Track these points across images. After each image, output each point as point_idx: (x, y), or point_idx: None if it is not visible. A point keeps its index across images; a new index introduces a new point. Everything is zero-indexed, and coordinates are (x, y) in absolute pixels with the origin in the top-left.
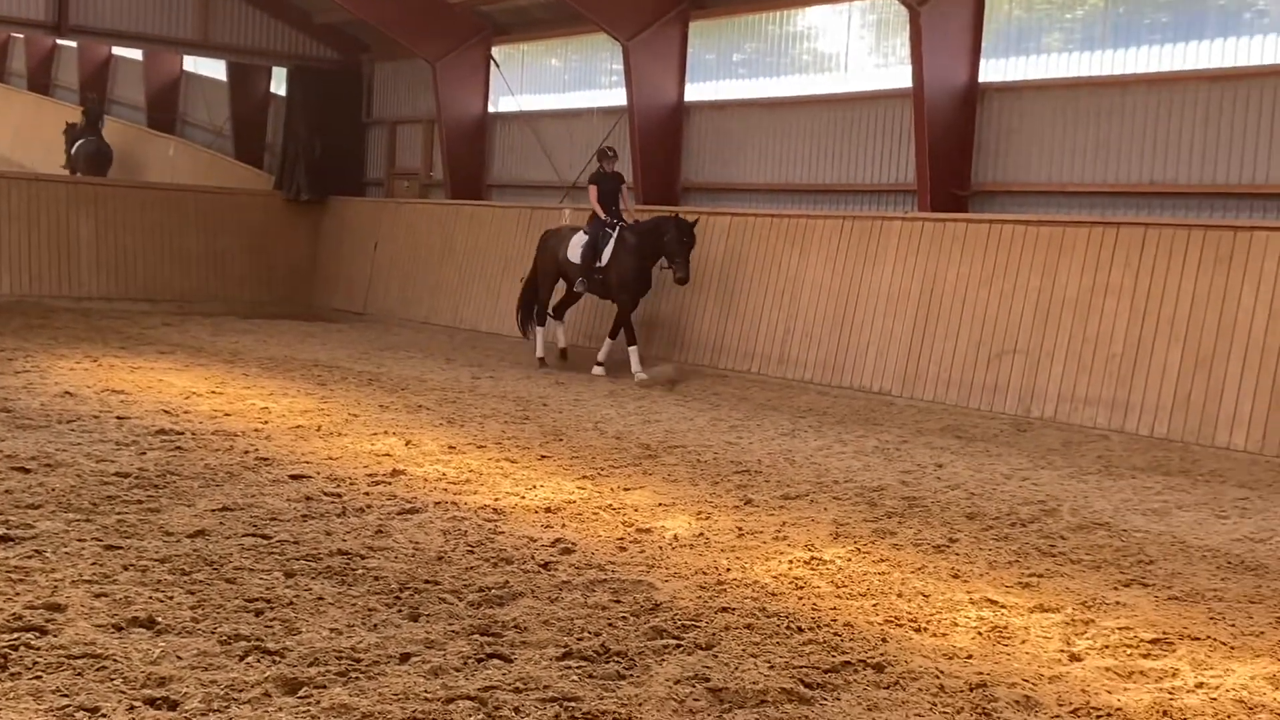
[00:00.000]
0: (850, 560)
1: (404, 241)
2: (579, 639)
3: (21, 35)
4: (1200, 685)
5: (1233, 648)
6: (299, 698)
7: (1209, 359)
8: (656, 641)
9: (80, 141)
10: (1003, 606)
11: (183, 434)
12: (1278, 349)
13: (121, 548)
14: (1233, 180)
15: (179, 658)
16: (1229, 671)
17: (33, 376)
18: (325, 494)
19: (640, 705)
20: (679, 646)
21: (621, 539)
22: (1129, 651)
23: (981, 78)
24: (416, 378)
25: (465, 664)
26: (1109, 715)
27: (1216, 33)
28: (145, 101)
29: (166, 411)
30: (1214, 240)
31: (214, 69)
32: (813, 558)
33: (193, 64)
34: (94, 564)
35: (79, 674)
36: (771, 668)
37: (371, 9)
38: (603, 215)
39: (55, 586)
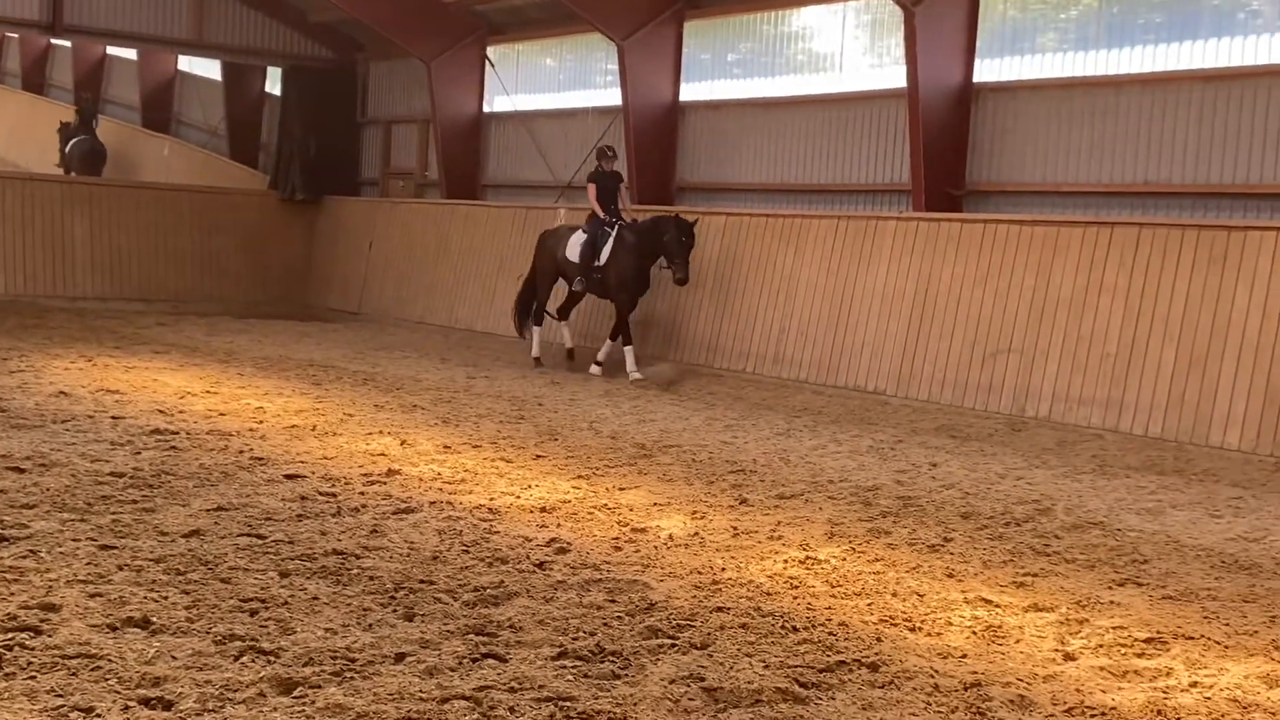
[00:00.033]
0: (845, 560)
1: (399, 241)
2: (574, 639)
3: (16, 35)
4: (1194, 684)
5: (1227, 647)
6: (294, 698)
7: (1203, 358)
8: (651, 641)
9: (74, 140)
10: (997, 606)
11: (177, 434)
12: (1272, 348)
13: (116, 548)
14: (1227, 180)
15: (174, 658)
16: (1223, 671)
17: (27, 376)
18: (320, 494)
19: (635, 705)
20: (674, 646)
21: (617, 539)
22: (1123, 651)
23: (976, 78)
24: (411, 377)
25: (460, 664)
26: (1103, 714)
27: (1210, 33)
28: (140, 101)
29: (161, 411)
30: (1208, 240)
31: (209, 68)
32: (808, 557)
33: (187, 63)
34: (89, 564)
35: (73, 674)
36: (766, 667)
37: (366, 8)
38: (601, 214)
39: (50, 586)
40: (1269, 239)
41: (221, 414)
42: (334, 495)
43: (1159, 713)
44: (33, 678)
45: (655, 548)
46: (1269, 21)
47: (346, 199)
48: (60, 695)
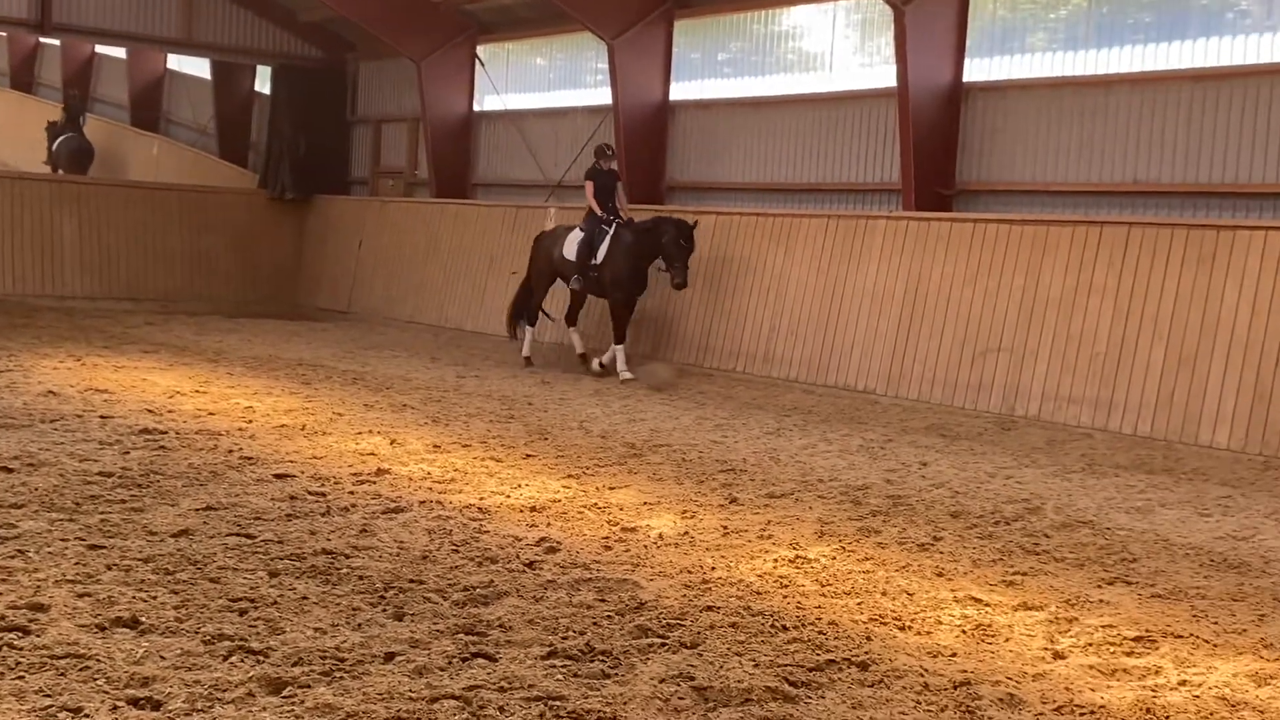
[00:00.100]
0: (835, 559)
1: (389, 240)
2: (564, 638)
3: (4, 33)
4: (1183, 683)
5: (1215, 645)
6: (283, 698)
7: (1192, 357)
8: (641, 640)
9: (61, 139)
10: (987, 604)
11: (166, 433)
12: (1260, 347)
13: (105, 547)
14: (1215, 179)
15: (162, 658)
16: (1211, 669)
17: (15, 376)
18: (310, 493)
19: (625, 704)
20: (664, 645)
21: (606, 538)
22: (1112, 649)
23: (966, 77)
24: (401, 377)
25: (450, 663)
26: (1092, 713)
27: (1199, 33)
28: (129, 100)
29: (150, 411)
30: (1197, 239)
31: (198, 67)
32: (797, 556)
33: (177, 62)
34: (77, 564)
35: (62, 674)
36: (756, 666)
37: (356, 7)
38: (599, 211)
39: (38, 586)
40: (1257, 238)
41: (210, 413)
42: (323, 495)
43: (1148, 711)
44: (21, 678)
45: (645, 547)
46: (1258, 21)
47: (336, 198)
48: (49, 695)
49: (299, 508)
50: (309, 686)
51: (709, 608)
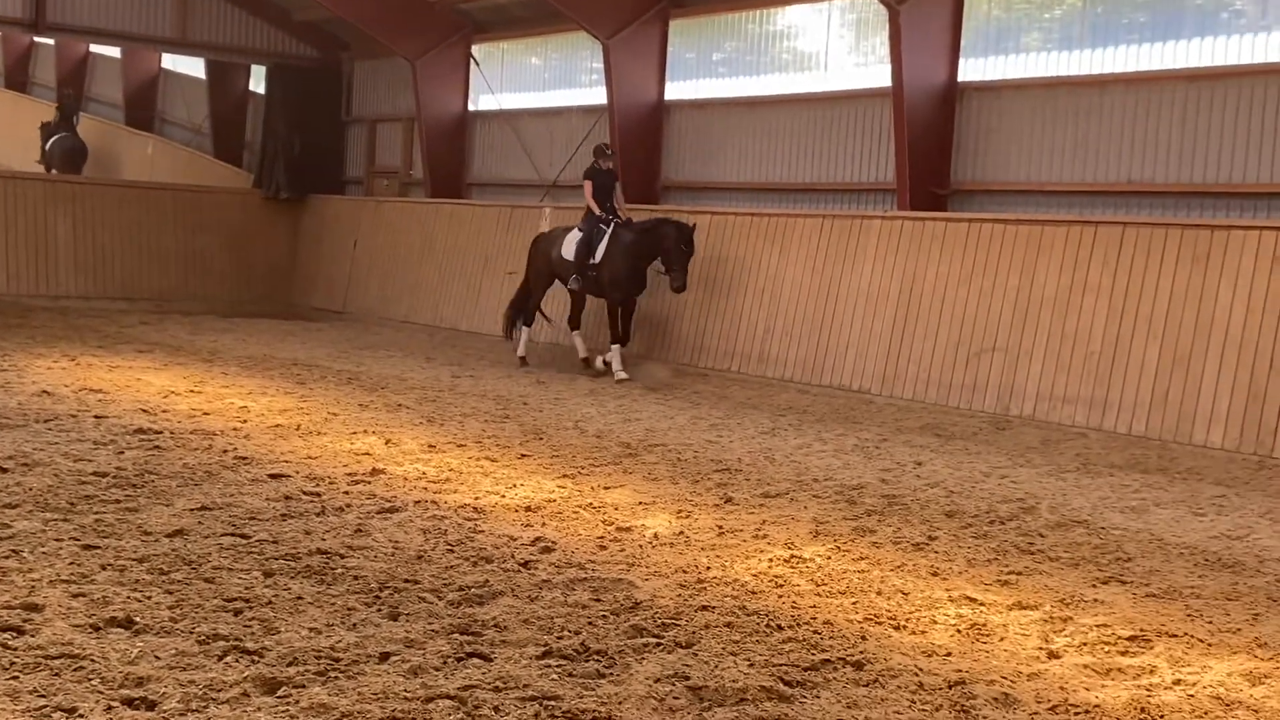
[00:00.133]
0: (830, 558)
1: (384, 240)
2: (559, 638)
3: None
4: (1178, 682)
5: (1210, 645)
6: (278, 697)
7: (1186, 357)
8: (636, 640)
9: (55, 138)
10: (981, 604)
11: (161, 433)
12: (1254, 347)
13: (99, 547)
14: (1210, 179)
15: (157, 658)
16: (1206, 668)
17: (10, 375)
18: (304, 493)
19: (620, 704)
20: (659, 645)
21: (602, 537)
22: (1107, 649)
23: (960, 77)
24: (396, 376)
25: (445, 663)
26: (1087, 712)
27: (1194, 32)
28: (123, 99)
29: (145, 410)
30: (1191, 239)
31: (193, 67)
32: (792, 556)
33: (171, 62)
34: (72, 564)
35: (56, 674)
36: (751, 666)
37: (351, 7)
38: (597, 211)
39: (33, 586)
40: (1251, 238)
41: (205, 413)
42: (318, 495)
43: (1143, 710)
44: (15, 678)
45: (640, 547)
46: (1252, 21)
47: (331, 198)
48: (43, 695)
49: (294, 508)
50: (304, 686)
51: (704, 607)
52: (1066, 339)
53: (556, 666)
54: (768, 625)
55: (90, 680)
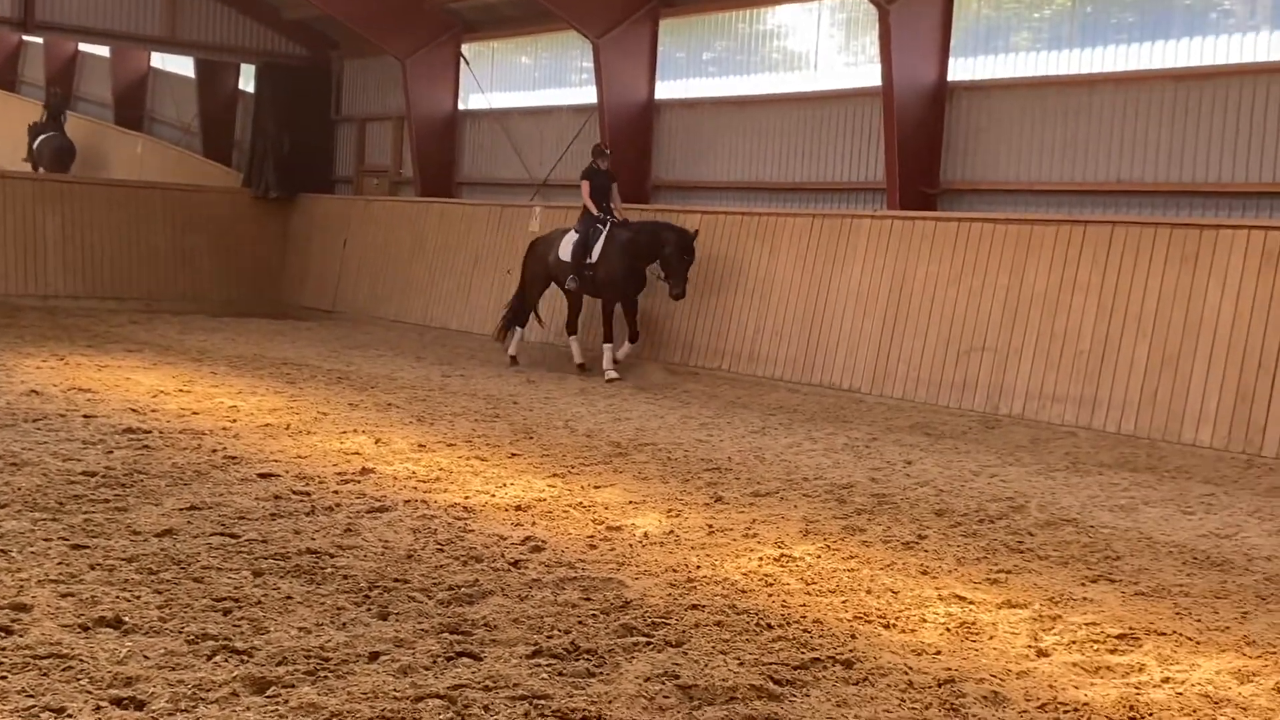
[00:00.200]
0: (820, 557)
1: (373, 239)
2: (549, 637)
3: None
4: (1166, 680)
5: (1198, 643)
6: (267, 697)
7: (1175, 356)
8: (626, 639)
9: (43, 137)
10: (971, 603)
11: (150, 432)
12: (1243, 346)
13: (88, 547)
14: (1199, 179)
15: (146, 657)
16: (1194, 666)
17: None
18: (294, 493)
19: (610, 703)
20: (649, 644)
21: (592, 537)
22: (1096, 647)
23: (950, 76)
24: (386, 376)
25: (434, 662)
26: (1076, 710)
27: (1182, 32)
28: (112, 98)
29: (134, 410)
30: (1180, 238)
31: (182, 65)
32: (782, 555)
33: (160, 61)
34: (60, 563)
35: (45, 674)
36: (741, 665)
37: (340, 5)
38: (595, 211)
39: (21, 586)
40: (1240, 237)
41: (194, 413)
42: (308, 494)
43: (1131, 708)
44: (3, 678)
45: (630, 546)
46: (1241, 21)
47: (321, 197)
48: (31, 696)
49: (283, 507)
50: (293, 686)
51: (694, 606)
52: (1056, 338)
53: (546, 666)
54: (758, 624)
55: (79, 680)
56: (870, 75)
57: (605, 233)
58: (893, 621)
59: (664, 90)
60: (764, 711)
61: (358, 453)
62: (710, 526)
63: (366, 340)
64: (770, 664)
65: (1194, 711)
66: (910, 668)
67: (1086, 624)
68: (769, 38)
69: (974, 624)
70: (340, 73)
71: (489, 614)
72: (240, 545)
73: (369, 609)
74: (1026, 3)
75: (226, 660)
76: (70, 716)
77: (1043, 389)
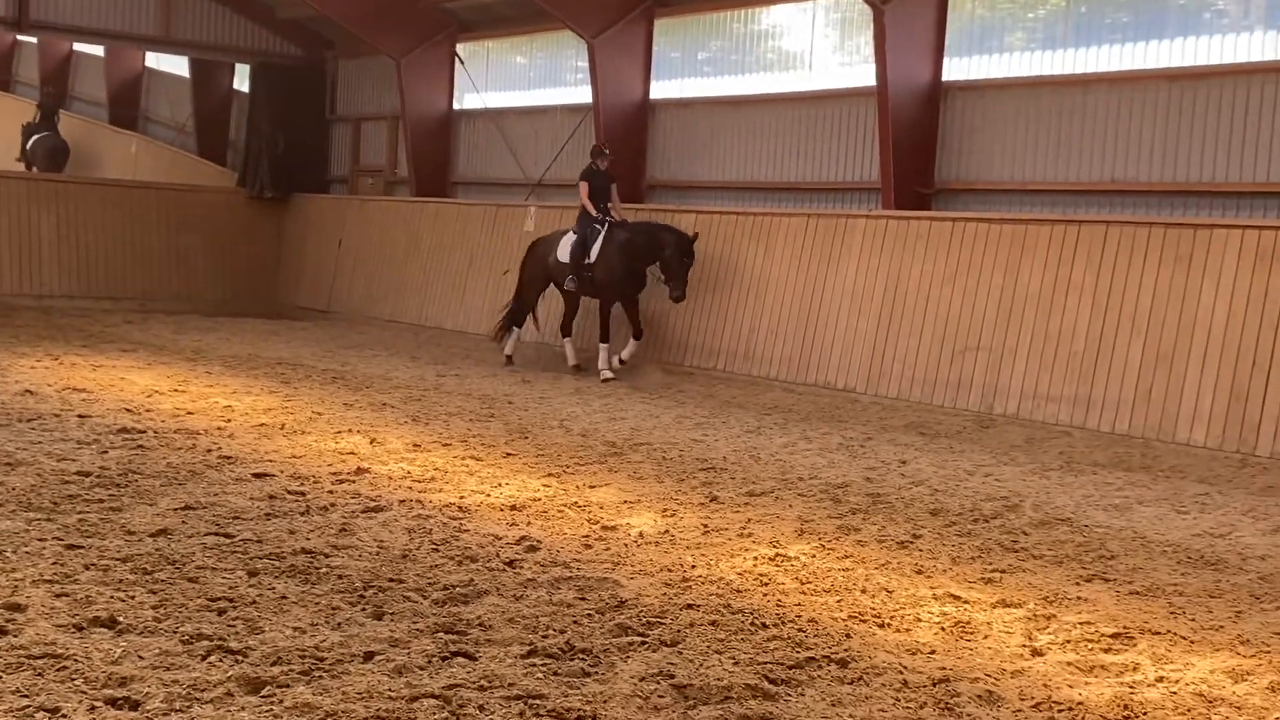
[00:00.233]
0: (814, 557)
1: (368, 239)
2: (544, 636)
3: None
4: (1160, 679)
5: (1193, 642)
6: (262, 697)
7: (1169, 355)
8: (621, 638)
9: (36, 137)
10: (965, 602)
11: (145, 432)
12: (1237, 345)
13: (83, 547)
14: (1193, 178)
15: (140, 657)
16: (1189, 665)
17: None
18: (289, 492)
19: (605, 702)
20: (644, 643)
21: (587, 536)
22: (1090, 646)
23: (945, 76)
24: (381, 375)
25: (430, 662)
26: (1070, 710)
27: (1176, 32)
28: (107, 98)
29: (128, 410)
30: (1174, 238)
31: (176, 65)
32: (777, 554)
33: (155, 60)
34: (55, 563)
35: (39, 674)
36: (736, 664)
37: (335, 5)
38: (593, 212)
39: (15, 586)
40: (1234, 237)
41: (189, 412)
42: (303, 494)
43: (1126, 708)
44: None
45: (625, 545)
46: (1235, 21)
47: (315, 196)
48: (26, 696)
49: (278, 507)
50: (288, 686)
51: (689, 606)
52: (1050, 337)
53: (541, 665)
54: (752, 623)
55: (73, 680)
56: (865, 75)
57: (603, 233)
58: (887, 621)
59: (659, 90)
60: (759, 711)
61: (353, 452)
62: (705, 526)
63: (361, 340)
64: (765, 663)
65: (1188, 710)
66: (905, 667)
67: (1081, 623)
68: (764, 37)
69: (969, 623)
70: (335, 72)
71: (484, 614)
72: (235, 545)
73: (364, 609)
74: (1021, 3)
75: (221, 660)
76: (65, 717)
77: (1037, 388)
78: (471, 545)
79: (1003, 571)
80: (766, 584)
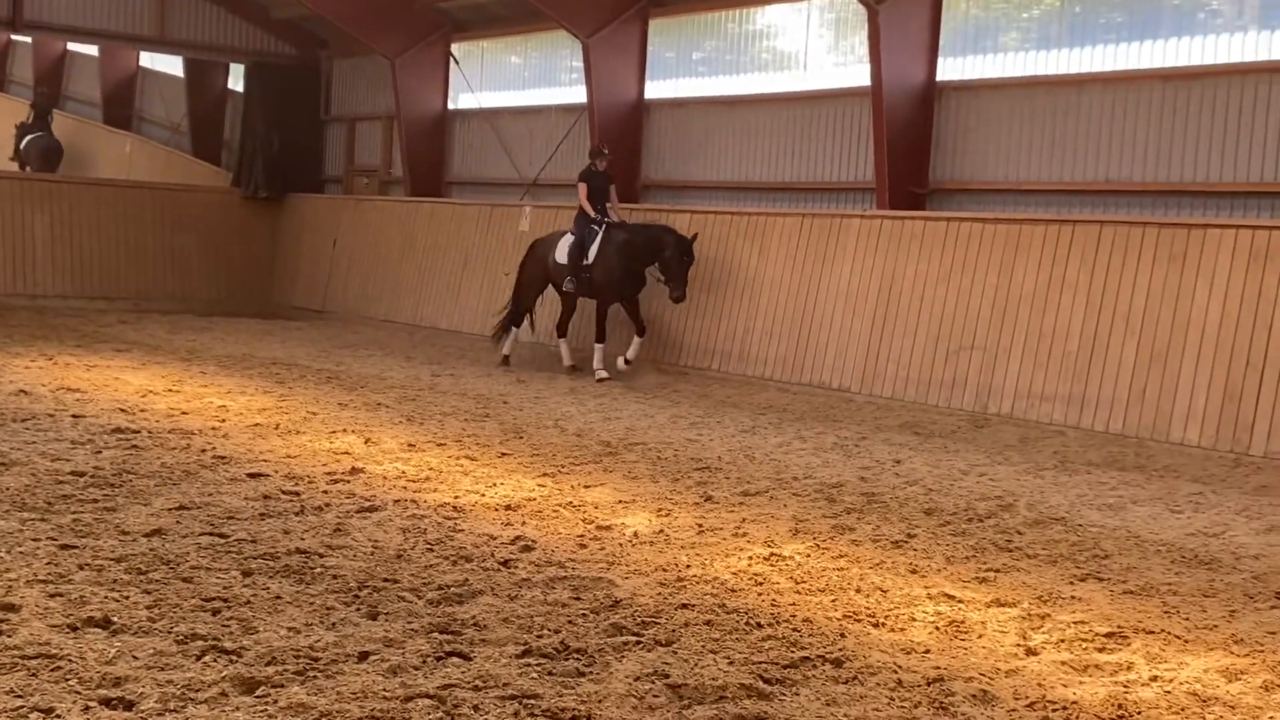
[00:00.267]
0: (809, 556)
1: (363, 239)
2: (539, 636)
3: None
4: (1155, 678)
5: (1186, 641)
6: (256, 697)
7: (1163, 355)
8: (616, 638)
9: (30, 137)
10: (960, 601)
11: (139, 432)
12: (1231, 345)
13: (77, 547)
14: (1187, 178)
15: (135, 657)
16: (1183, 665)
17: None
18: (283, 492)
19: (600, 702)
20: (639, 643)
21: (581, 536)
22: (1084, 645)
23: (939, 76)
24: (376, 375)
25: (424, 662)
26: (1065, 709)
27: (1170, 32)
28: (101, 98)
29: (123, 410)
30: (1168, 237)
31: (171, 65)
32: (772, 554)
33: (149, 60)
34: (49, 564)
35: (33, 674)
36: (731, 664)
37: (330, 5)
38: (592, 213)
39: (9, 586)
40: (1228, 236)
41: (184, 412)
42: (297, 494)
43: (1119, 707)
44: None
45: (620, 545)
46: (1229, 21)
47: (310, 196)
48: (20, 696)
49: (273, 507)
50: (282, 686)
51: (684, 605)
52: (1044, 337)
53: (536, 665)
54: (747, 623)
55: (68, 680)
56: (859, 75)
57: (601, 234)
58: (882, 620)
59: (653, 90)
60: (753, 710)
61: (347, 452)
62: (700, 526)
63: (356, 340)
64: (760, 663)
65: (1182, 710)
66: (899, 666)
67: (1075, 622)
68: (758, 37)
69: (963, 623)
70: (330, 72)
71: (479, 613)
72: (229, 545)
73: (358, 609)
74: (1015, 3)
75: (215, 660)
76: (59, 717)
77: (1031, 388)
78: (466, 545)
79: (997, 571)
80: (761, 584)
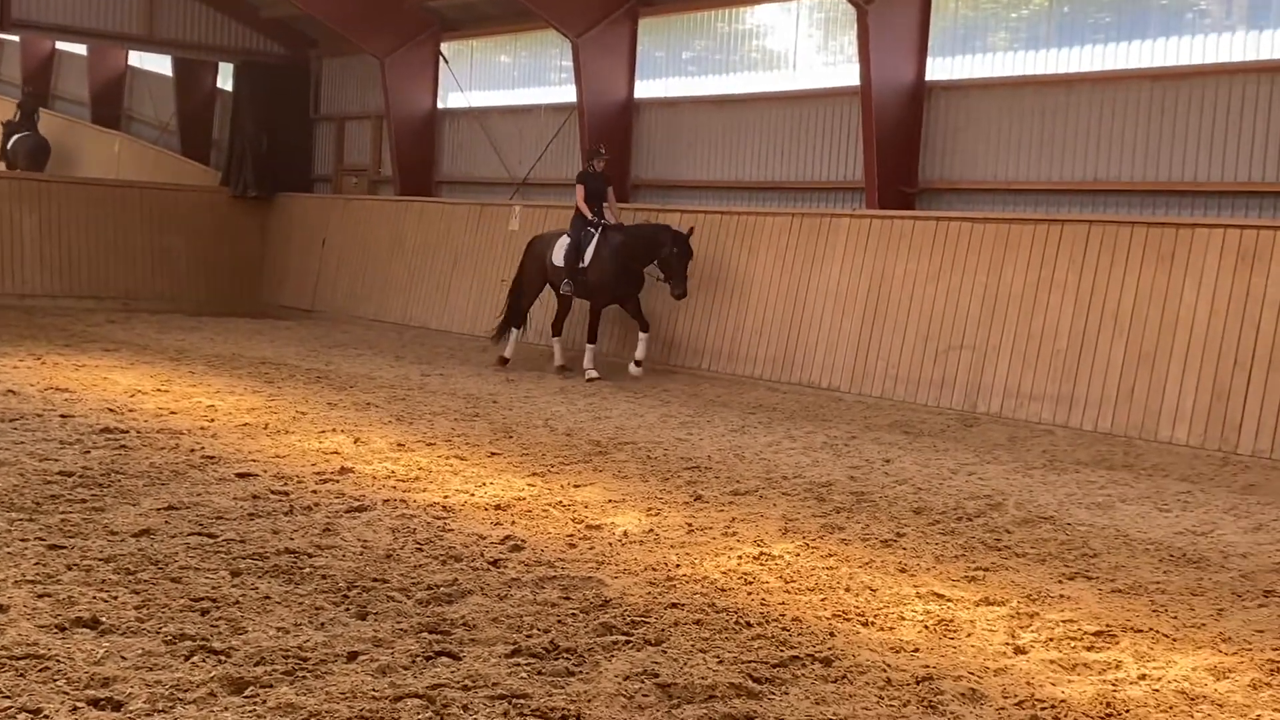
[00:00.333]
0: (799, 555)
1: (352, 238)
2: (528, 636)
3: None
4: (1143, 677)
5: (1175, 640)
6: (245, 697)
7: (1152, 354)
8: (606, 638)
9: (16, 136)
10: (949, 600)
11: (127, 432)
12: (1219, 344)
13: (65, 547)
14: (1175, 178)
15: (123, 658)
16: (1171, 663)
17: None
18: (272, 492)
19: (589, 701)
20: (628, 642)
21: (571, 536)
22: (1073, 644)
23: (928, 76)
24: (365, 375)
25: (413, 662)
26: (1053, 707)
27: (1159, 32)
28: (90, 97)
29: (111, 410)
30: (1156, 237)
31: (160, 64)
32: (762, 553)
33: (138, 59)
34: (37, 564)
35: (21, 675)
36: (720, 663)
37: (319, 4)
38: (589, 215)
39: None
40: (1216, 236)
41: (172, 412)
42: (286, 494)
43: (1108, 705)
44: None
45: (610, 545)
46: (1217, 21)
47: (299, 196)
48: (7, 696)
49: (261, 507)
50: (271, 686)
51: (673, 605)
52: (1033, 336)
53: (525, 665)
54: (737, 622)
55: (56, 681)
56: (849, 74)
57: (597, 236)
58: (871, 619)
59: (643, 89)
60: (743, 709)
61: (336, 452)
62: (690, 525)
63: (345, 339)
64: (749, 662)
65: (1170, 708)
66: (888, 665)
67: (1064, 621)
68: (748, 37)
69: (952, 621)
70: (319, 71)
71: (468, 613)
72: (218, 545)
73: (347, 609)
74: (1004, 3)
75: (204, 660)
76: (47, 717)
77: (1020, 387)
78: (456, 545)
79: (986, 570)
80: (751, 583)
